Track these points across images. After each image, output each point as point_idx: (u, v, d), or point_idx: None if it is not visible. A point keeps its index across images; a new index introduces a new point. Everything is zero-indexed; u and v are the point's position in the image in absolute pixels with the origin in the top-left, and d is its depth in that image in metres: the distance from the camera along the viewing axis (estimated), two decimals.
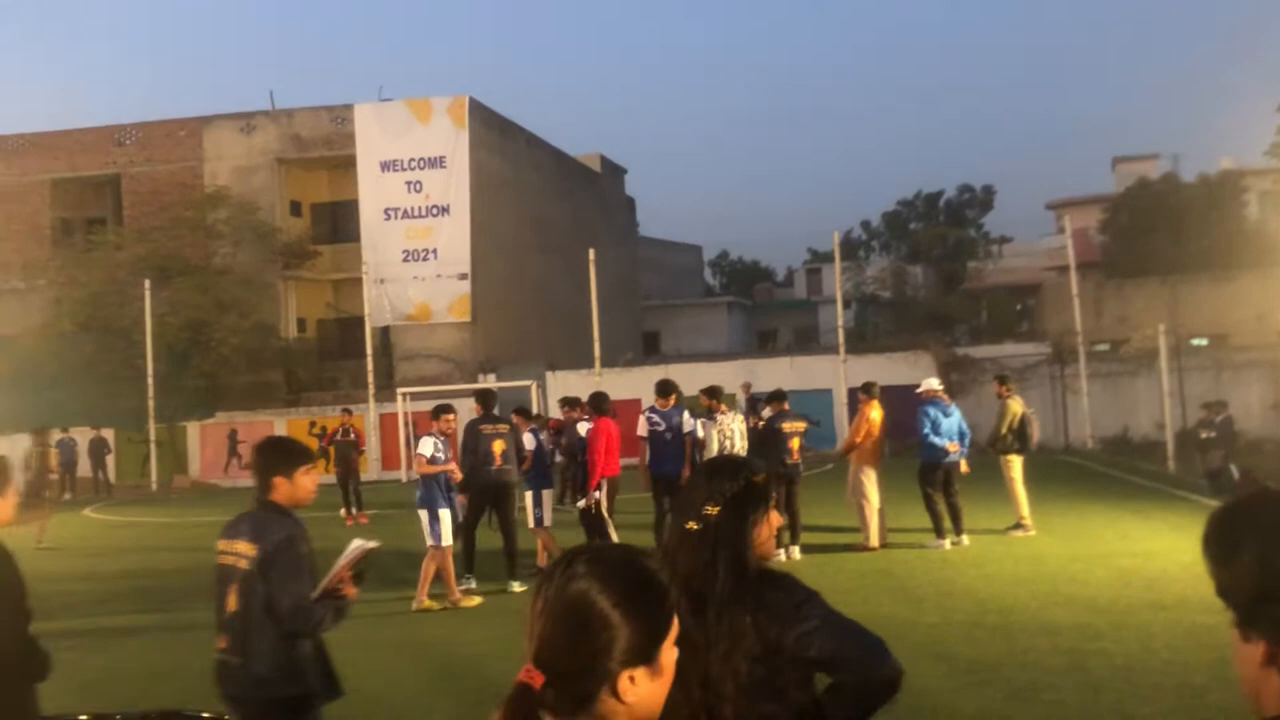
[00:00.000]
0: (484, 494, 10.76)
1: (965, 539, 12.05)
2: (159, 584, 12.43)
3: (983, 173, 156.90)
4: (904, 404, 22.03)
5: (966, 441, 12.64)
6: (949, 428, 12.41)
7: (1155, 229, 36.32)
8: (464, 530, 10.73)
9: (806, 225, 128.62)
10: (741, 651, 2.32)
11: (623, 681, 1.47)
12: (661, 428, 11.45)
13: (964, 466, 12.47)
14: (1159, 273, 33.20)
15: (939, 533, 12.05)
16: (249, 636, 3.84)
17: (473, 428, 10.78)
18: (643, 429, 11.49)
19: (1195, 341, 28.09)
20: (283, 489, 3.98)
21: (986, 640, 7.81)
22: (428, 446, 10.12)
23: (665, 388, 11.71)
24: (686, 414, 11.73)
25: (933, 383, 13.04)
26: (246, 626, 3.85)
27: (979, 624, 8.34)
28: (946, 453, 12.28)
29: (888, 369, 25.34)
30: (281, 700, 3.84)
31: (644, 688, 1.49)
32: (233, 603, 3.89)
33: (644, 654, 1.50)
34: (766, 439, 12.38)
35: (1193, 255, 33.46)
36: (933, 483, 12.27)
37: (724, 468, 2.58)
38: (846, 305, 31.87)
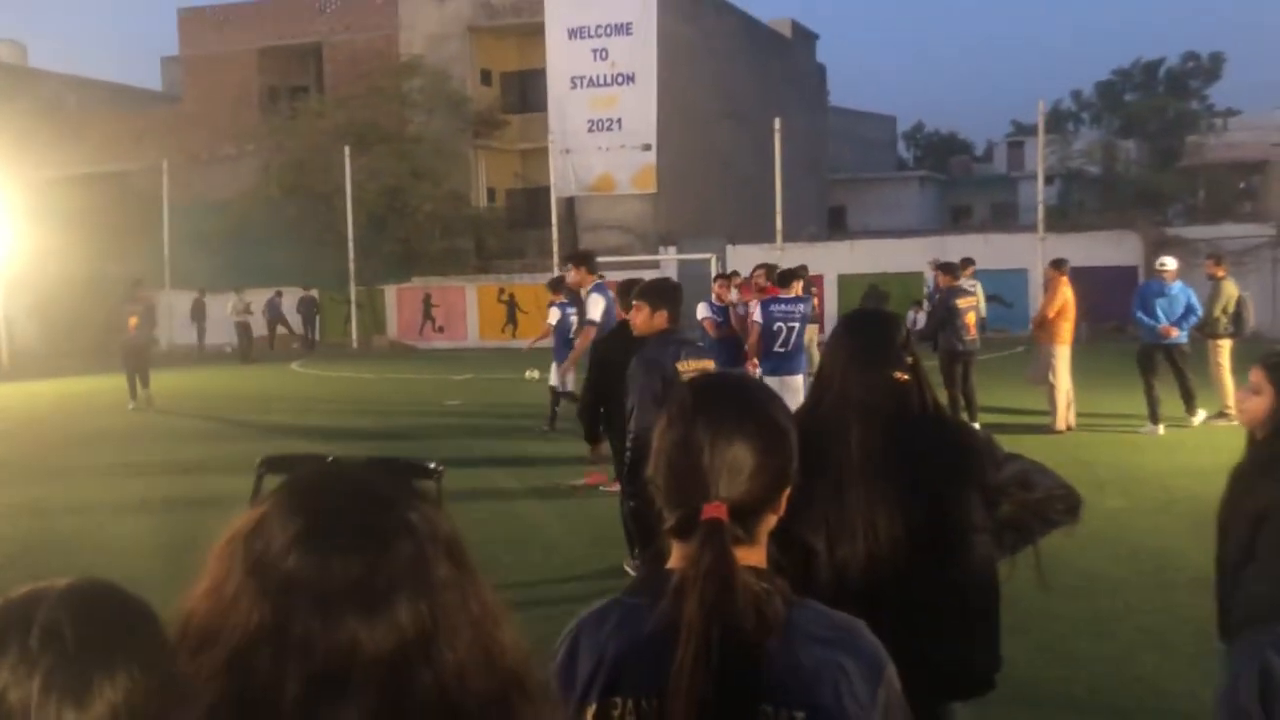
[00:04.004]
0: None
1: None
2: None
3: (1212, 39, 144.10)
4: (1106, 286, 20.91)
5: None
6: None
7: None
8: None
9: (1010, 96, 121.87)
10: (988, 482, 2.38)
11: (782, 498, 1.48)
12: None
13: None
14: None
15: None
16: None
17: None
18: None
19: None
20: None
21: (1171, 529, 7.43)
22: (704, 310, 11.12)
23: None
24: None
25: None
26: None
27: (1165, 512, 7.96)
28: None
29: (1091, 249, 23.99)
30: None
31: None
32: None
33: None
34: (942, 317, 11.95)
35: None
36: None
37: (889, 318, 2.63)
38: (1050, 181, 30.17)
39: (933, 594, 2.23)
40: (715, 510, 1.39)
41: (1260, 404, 2.97)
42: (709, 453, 1.41)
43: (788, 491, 1.48)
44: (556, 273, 27.17)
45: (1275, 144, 38.54)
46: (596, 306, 9.53)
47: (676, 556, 1.45)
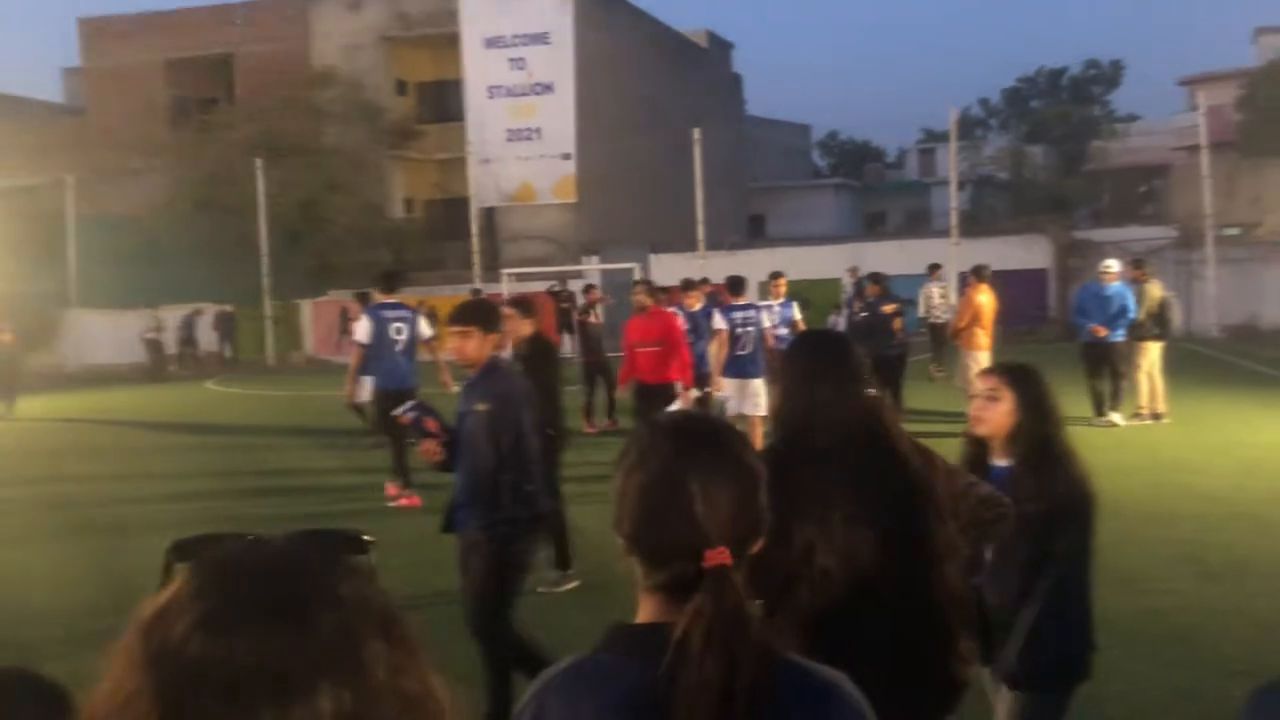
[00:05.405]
0: None
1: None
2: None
3: (1111, 47, 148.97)
4: (1017, 289, 21.41)
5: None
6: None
7: None
8: None
9: (921, 104, 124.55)
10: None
11: (760, 537, 1.41)
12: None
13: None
14: None
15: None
16: None
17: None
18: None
19: None
20: None
21: (1118, 530, 7.59)
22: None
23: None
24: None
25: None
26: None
27: (1116, 516, 8.13)
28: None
29: (1002, 252, 24.54)
30: None
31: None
32: None
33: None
34: (872, 324, 12.21)
35: None
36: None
37: (843, 336, 2.78)
38: (961, 187, 30.81)
39: (919, 610, 2.23)
40: (720, 557, 1.29)
41: (1002, 410, 2.94)
42: (701, 499, 1.31)
43: (764, 528, 1.41)
44: (475, 285, 27.00)
45: (1174, 148, 39.90)
46: (363, 329, 9.86)
47: (659, 611, 1.34)
